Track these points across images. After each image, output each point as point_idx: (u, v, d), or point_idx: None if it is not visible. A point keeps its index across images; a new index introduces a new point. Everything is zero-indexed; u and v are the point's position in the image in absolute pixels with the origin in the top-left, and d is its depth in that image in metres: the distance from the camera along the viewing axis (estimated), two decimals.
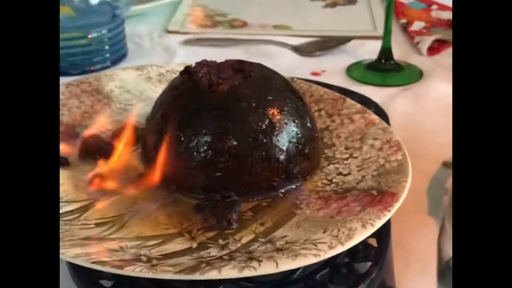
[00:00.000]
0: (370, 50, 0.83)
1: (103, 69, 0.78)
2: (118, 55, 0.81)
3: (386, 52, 0.78)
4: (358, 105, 0.57)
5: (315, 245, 0.40)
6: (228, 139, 0.46)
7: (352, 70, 0.79)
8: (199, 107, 0.47)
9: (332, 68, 0.80)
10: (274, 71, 0.52)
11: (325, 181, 0.49)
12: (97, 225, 0.44)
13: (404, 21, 0.94)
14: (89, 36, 0.77)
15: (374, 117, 0.55)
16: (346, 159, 0.51)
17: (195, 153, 0.46)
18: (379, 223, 0.41)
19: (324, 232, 0.41)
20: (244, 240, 0.42)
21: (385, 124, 0.54)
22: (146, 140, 0.50)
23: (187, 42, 0.88)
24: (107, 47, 0.79)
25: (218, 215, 0.44)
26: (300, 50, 0.85)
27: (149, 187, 0.48)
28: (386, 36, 0.78)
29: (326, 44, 0.86)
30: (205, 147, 0.46)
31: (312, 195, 0.47)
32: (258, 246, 0.41)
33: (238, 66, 0.50)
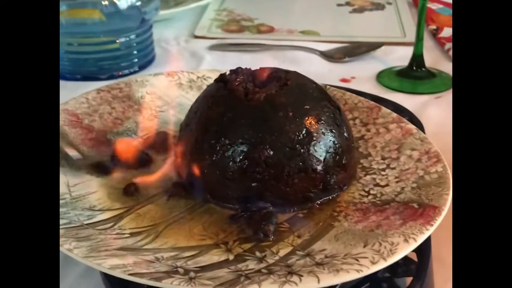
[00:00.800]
0: (400, 57, 0.82)
1: (131, 74, 0.78)
2: (146, 60, 0.81)
3: (417, 59, 0.77)
4: (394, 114, 0.56)
5: (357, 259, 0.39)
6: (265, 149, 0.45)
7: (383, 77, 0.78)
8: (235, 115, 0.46)
9: (362, 75, 0.78)
10: (310, 79, 0.52)
11: (363, 193, 0.48)
12: (132, 234, 0.44)
13: (433, 27, 0.93)
14: (118, 41, 0.76)
15: (411, 126, 0.54)
16: (383, 169, 0.50)
17: (230, 163, 0.45)
18: (421, 238, 0.40)
19: (364, 246, 0.40)
20: (282, 252, 0.41)
21: (422, 134, 0.52)
22: (180, 148, 0.49)
23: (213, 47, 0.87)
24: (135, 52, 0.78)
25: (255, 227, 0.43)
26: (328, 56, 0.84)
27: (184, 197, 0.48)
28: (418, 43, 0.76)
29: (355, 50, 0.84)
30: (241, 157, 0.45)
31: (349, 206, 0.46)
32: (297, 260, 0.40)
33: (275, 74, 0.49)
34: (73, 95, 0.59)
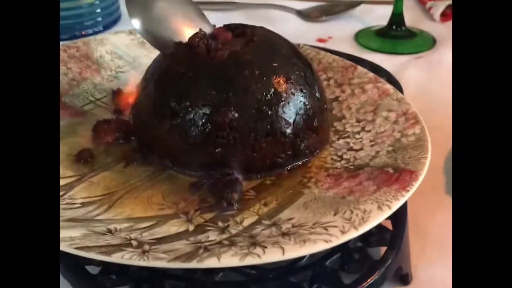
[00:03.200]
0: (379, 16, 0.78)
1: (95, 33, 0.73)
2: (111, 19, 0.76)
3: (397, 18, 0.73)
4: (371, 74, 0.52)
5: (326, 229, 0.35)
6: (229, 111, 0.41)
7: (361, 37, 0.74)
8: (197, 75, 0.42)
9: (339, 35, 0.75)
10: (279, 35, 0.48)
11: (335, 157, 0.45)
12: (84, 204, 0.40)
13: None
14: None
15: (388, 86, 0.50)
16: (358, 133, 0.47)
17: (192, 127, 0.42)
18: (396, 205, 0.37)
19: (335, 215, 0.37)
20: (246, 222, 0.38)
21: (400, 94, 0.49)
22: (137, 111, 0.46)
23: None
24: (98, 10, 0.74)
25: (217, 195, 0.40)
26: (305, 15, 0.80)
27: (142, 163, 0.44)
28: (398, 1, 0.72)
29: (333, 9, 0.81)
30: (203, 120, 0.41)
31: (320, 172, 0.43)
32: (262, 230, 0.37)
33: (240, 30, 0.45)
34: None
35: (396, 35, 0.73)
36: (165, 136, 0.43)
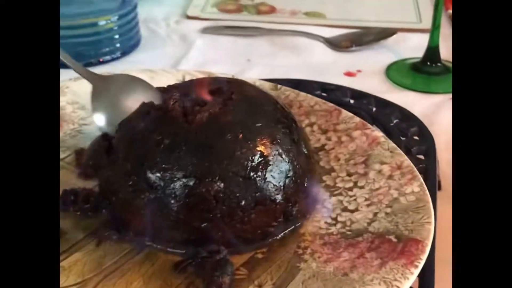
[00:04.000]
0: (414, 46, 0.71)
1: (113, 60, 0.68)
2: (130, 44, 0.71)
3: (432, 51, 0.66)
4: (357, 119, 0.49)
5: None
6: (214, 182, 0.37)
7: (393, 71, 0.67)
8: (174, 142, 0.38)
9: (369, 68, 0.68)
10: (256, 87, 0.44)
11: (329, 220, 0.41)
12: None
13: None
14: (98, 24, 0.66)
15: (378, 133, 0.47)
16: (351, 189, 0.43)
17: (173, 201, 0.37)
18: (406, 285, 0.34)
19: None
20: None
21: (391, 144, 0.46)
22: (107, 182, 0.41)
23: (206, 30, 0.77)
24: (117, 36, 0.68)
25: (206, 279, 0.36)
26: (333, 43, 0.73)
27: (116, 241, 0.39)
28: (434, 32, 0.65)
29: (364, 38, 0.73)
30: (185, 193, 0.37)
31: (316, 240, 0.39)
32: None
33: (215, 86, 0.41)
34: None
35: (430, 71, 0.66)
36: (142, 211, 0.38)
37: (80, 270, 0.37)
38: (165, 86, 0.42)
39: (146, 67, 0.57)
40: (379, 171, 0.44)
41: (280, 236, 0.40)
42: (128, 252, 0.39)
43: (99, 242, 0.39)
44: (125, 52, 0.69)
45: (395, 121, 0.54)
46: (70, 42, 0.65)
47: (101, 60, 0.67)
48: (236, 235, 0.38)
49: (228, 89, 0.41)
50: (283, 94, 0.52)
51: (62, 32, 0.64)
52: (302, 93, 0.52)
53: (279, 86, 0.53)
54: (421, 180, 0.42)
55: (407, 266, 0.35)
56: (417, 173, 0.42)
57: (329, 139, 0.48)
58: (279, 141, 0.39)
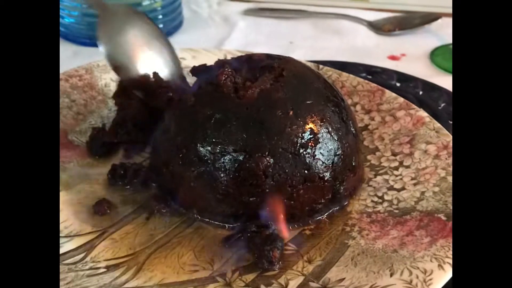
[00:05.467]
0: None
1: None
2: (173, 25, 0.71)
3: None
4: (401, 99, 0.49)
5: None
6: (263, 157, 0.37)
7: (437, 55, 0.67)
8: (226, 117, 0.38)
9: (413, 52, 0.68)
10: (305, 65, 0.44)
11: (376, 199, 0.41)
12: (109, 268, 0.36)
13: None
14: (142, 4, 0.66)
15: (423, 114, 0.47)
16: (396, 168, 0.43)
17: (222, 175, 0.38)
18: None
19: (391, 275, 0.34)
20: (292, 285, 0.35)
21: (437, 124, 0.45)
22: (157, 156, 0.42)
23: (248, 12, 0.77)
24: (160, 16, 0.69)
25: (257, 252, 0.36)
26: (377, 27, 0.73)
27: (166, 214, 0.40)
28: None
29: (408, 22, 0.73)
30: (235, 167, 0.37)
31: (363, 218, 0.40)
32: None
33: (266, 63, 0.41)
34: (89, 61, 0.52)
35: None
36: (192, 185, 0.39)
37: (131, 242, 0.38)
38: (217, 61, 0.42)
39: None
40: (425, 151, 0.44)
41: (327, 213, 0.40)
42: (178, 225, 0.39)
43: (149, 215, 0.40)
44: (169, 33, 0.70)
45: (442, 105, 0.54)
46: None
47: None
48: (284, 211, 0.38)
49: (279, 66, 0.41)
50: (325, 75, 0.52)
51: None
52: (344, 73, 0.52)
53: (320, 66, 0.53)
54: None
55: None
56: None
57: (372, 119, 0.48)
58: (328, 119, 0.40)
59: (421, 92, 0.56)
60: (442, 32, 0.72)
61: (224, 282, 0.35)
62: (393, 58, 0.66)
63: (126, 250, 0.37)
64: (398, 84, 0.57)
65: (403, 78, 0.58)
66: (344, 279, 0.34)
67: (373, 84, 0.51)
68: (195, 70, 0.43)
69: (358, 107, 0.49)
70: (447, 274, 0.33)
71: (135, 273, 0.36)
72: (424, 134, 0.45)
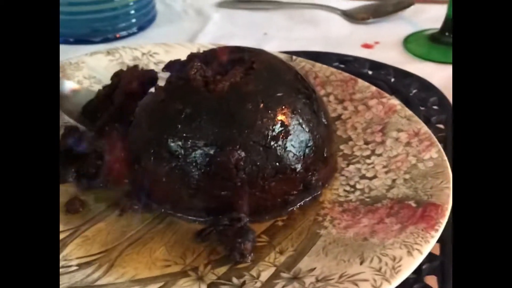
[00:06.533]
0: (432, 17, 0.70)
1: (129, 35, 0.68)
2: (146, 20, 0.71)
3: (450, 22, 0.65)
4: (373, 88, 0.49)
5: (355, 284, 0.32)
6: (234, 150, 0.37)
7: (411, 42, 0.67)
8: (196, 111, 0.38)
9: (387, 39, 0.68)
10: (277, 56, 0.44)
11: (348, 188, 0.42)
12: (81, 266, 0.36)
13: None
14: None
15: (394, 102, 0.47)
16: (368, 157, 0.44)
17: (194, 169, 0.38)
18: (427, 248, 0.34)
19: (361, 263, 0.34)
20: (264, 276, 0.35)
21: (409, 111, 0.46)
22: (129, 152, 0.41)
23: (222, 4, 0.77)
24: (133, 11, 0.68)
25: (229, 245, 0.36)
26: (351, 16, 0.73)
27: (139, 210, 0.40)
28: (452, 2, 0.64)
29: (381, 10, 0.73)
30: (206, 161, 0.37)
31: (335, 207, 0.40)
32: (283, 286, 0.34)
33: (237, 55, 0.41)
34: (61, 59, 0.51)
35: (448, 42, 0.65)
36: (164, 180, 0.39)
37: (103, 239, 0.38)
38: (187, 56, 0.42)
39: (135, 44, 0.57)
40: (397, 139, 0.44)
41: (299, 204, 0.40)
42: (151, 221, 0.39)
43: (122, 211, 0.40)
44: (142, 27, 0.70)
45: (414, 91, 0.55)
46: (86, 18, 0.65)
47: (118, 35, 0.67)
48: (256, 203, 0.38)
49: (249, 59, 0.41)
50: (298, 65, 0.52)
51: (79, 8, 0.65)
52: (318, 64, 0.52)
53: (294, 57, 0.53)
54: (439, 146, 0.42)
55: (427, 230, 0.35)
56: (435, 139, 0.43)
57: (345, 108, 0.48)
58: (299, 111, 0.40)
59: (393, 79, 0.56)
60: (416, 19, 0.72)
61: (196, 276, 0.35)
62: (366, 46, 0.67)
63: (98, 247, 0.37)
64: (370, 72, 0.58)
65: (375, 66, 0.58)
66: (315, 268, 0.35)
67: (346, 74, 0.51)
68: (167, 66, 0.43)
69: (331, 97, 0.50)
70: (416, 260, 0.33)
71: (107, 270, 0.36)
72: (396, 122, 0.45)
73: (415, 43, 0.67)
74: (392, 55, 0.64)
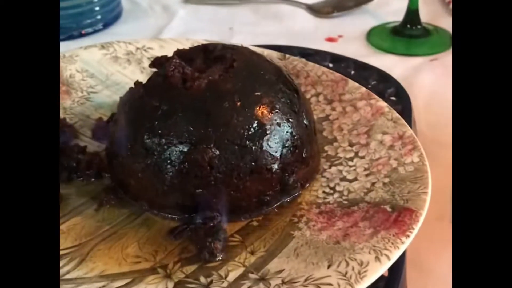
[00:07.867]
0: (395, 10, 0.71)
1: (94, 32, 0.69)
2: (111, 16, 0.71)
3: (412, 15, 0.66)
4: (363, 89, 0.48)
5: (319, 287, 0.32)
6: (209, 148, 0.37)
7: (373, 35, 0.68)
8: (172, 109, 0.38)
9: (350, 33, 0.69)
10: (262, 56, 0.44)
11: (327, 190, 0.41)
12: None
13: None
14: None
15: (382, 104, 0.46)
16: (351, 159, 0.43)
17: (168, 166, 0.38)
18: (396, 254, 0.34)
19: (329, 267, 0.34)
20: (231, 276, 0.35)
21: (395, 114, 0.45)
22: (110, 146, 0.42)
23: (189, 1, 0.77)
24: (98, 8, 0.69)
25: (199, 244, 0.36)
26: (315, 10, 0.74)
27: (116, 205, 0.40)
28: None
29: (345, 3, 0.74)
30: (180, 159, 0.37)
31: (312, 209, 0.39)
32: (250, 287, 0.33)
33: (219, 53, 0.41)
34: None
35: (410, 34, 0.67)
36: (140, 176, 0.39)
37: (77, 233, 0.38)
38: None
39: (129, 38, 0.57)
40: (381, 142, 0.43)
41: (276, 205, 0.40)
42: (127, 217, 0.40)
43: (99, 206, 0.40)
44: (107, 24, 0.70)
45: (372, 83, 0.55)
46: None
47: (83, 32, 0.68)
48: (231, 203, 0.38)
49: (231, 57, 0.40)
50: (290, 64, 0.52)
51: None
52: (310, 63, 0.52)
53: (287, 55, 0.53)
54: (422, 150, 0.41)
55: (399, 235, 0.35)
56: (418, 143, 0.42)
57: (333, 109, 0.48)
58: (277, 110, 0.39)
59: (352, 72, 0.56)
60: (379, 12, 0.73)
61: (164, 274, 0.35)
62: (330, 40, 0.68)
63: (71, 241, 0.38)
64: (331, 65, 0.57)
65: (336, 59, 0.58)
66: (283, 270, 0.34)
67: (337, 74, 0.50)
68: (153, 63, 0.43)
69: (321, 97, 0.49)
70: (383, 266, 0.33)
71: (77, 264, 0.36)
72: (382, 124, 0.45)
73: (378, 36, 0.68)
74: (355, 48, 0.64)
